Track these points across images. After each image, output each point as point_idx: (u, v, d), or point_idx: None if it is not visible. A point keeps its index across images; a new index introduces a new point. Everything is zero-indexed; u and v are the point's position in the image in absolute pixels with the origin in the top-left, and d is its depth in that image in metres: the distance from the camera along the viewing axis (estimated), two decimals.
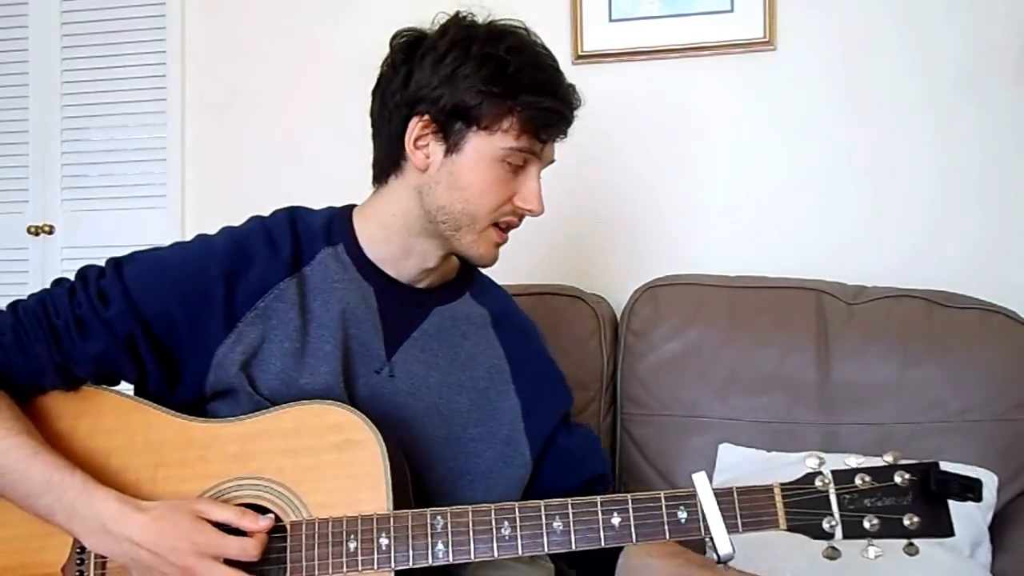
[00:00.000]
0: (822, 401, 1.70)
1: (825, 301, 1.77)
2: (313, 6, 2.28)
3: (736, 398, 1.74)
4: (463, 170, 1.10)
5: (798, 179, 2.02)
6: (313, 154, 2.25)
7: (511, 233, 1.18)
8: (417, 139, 1.11)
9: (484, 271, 1.28)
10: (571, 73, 1.16)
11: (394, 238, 1.16)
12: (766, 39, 2.01)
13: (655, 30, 2.06)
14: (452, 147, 1.10)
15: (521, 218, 1.15)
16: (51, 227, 2.43)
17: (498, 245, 1.16)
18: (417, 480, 1.09)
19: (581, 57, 2.09)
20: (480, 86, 1.07)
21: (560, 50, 2.08)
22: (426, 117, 1.10)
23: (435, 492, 1.13)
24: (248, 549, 0.97)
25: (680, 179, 2.08)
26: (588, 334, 1.83)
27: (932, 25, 1.96)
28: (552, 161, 1.16)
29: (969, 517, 1.51)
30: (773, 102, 2.03)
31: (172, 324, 1.09)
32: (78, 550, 1.04)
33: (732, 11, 2.02)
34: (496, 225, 1.14)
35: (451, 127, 1.09)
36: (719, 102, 2.06)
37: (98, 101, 2.41)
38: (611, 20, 2.08)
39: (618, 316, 1.92)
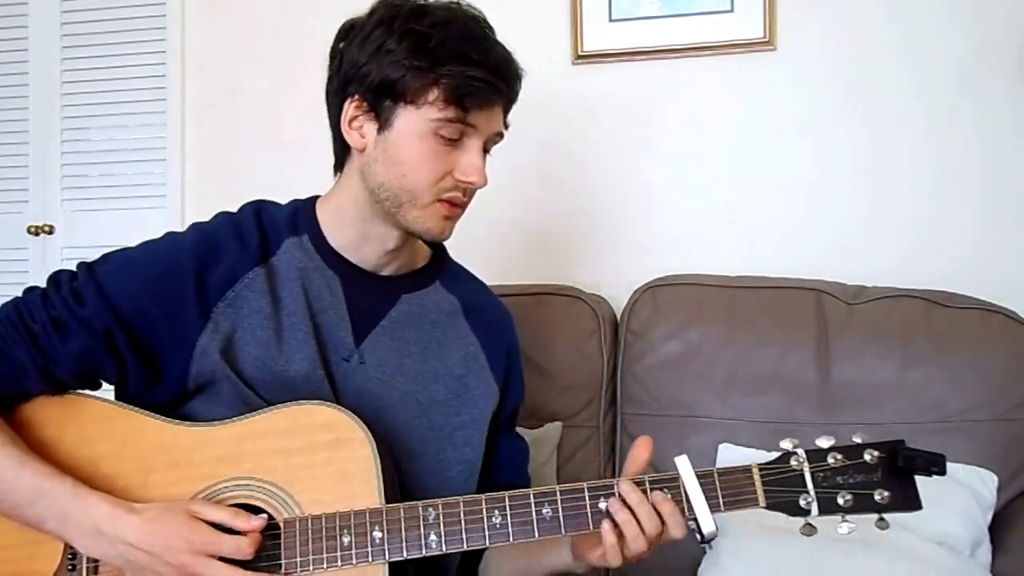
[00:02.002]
0: (822, 401, 1.70)
1: (825, 301, 1.77)
2: (313, 6, 2.28)
3: (736, 398, 1.73)
4: (396, 146, 1.10)
5: (798, 179, 2.02)
6: (313, 154, 2.22)
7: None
8: (351, 120, 1.12)
9: (461, 262, 1.31)
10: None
11: (350, 223, 1.18)
12: (766, 39, 2.01)
13: (655, 30, 2.06)
14: (383, 124, 1.10)
15: (467, 192, 1.14)
16: (51, 227, 2.43)
17: (448, 219, 1.14)
18: (396, 468, 1.09)
19: (581, 57, 2.08)
20: (403, 60, 1.07)
21: (560, 50, 2.11)
22: (356, 97, 1.11)
23: (419, 480, 1.13)
24: (243, 547, 0.98)
25: (680, 179, 2.07)
26: (588, 334, 1.83)
27: (932, 25, 1.96)
28: (499, 134, 1.15)
29: (969, 517, 1.51)
30: (773, 102, 2.03)
31: (150, 321, 1.09)
32: (69, 555, 1.03)
33: (732, 11, 2.02)
34: (442, 200, 1.13)
35: (380, 104, 1.10)
36: (719, 102, 2.06)
37: (98, 101, 2.41)
38: (611, 20, 2.08)
39: (618, 316, 1.91)
